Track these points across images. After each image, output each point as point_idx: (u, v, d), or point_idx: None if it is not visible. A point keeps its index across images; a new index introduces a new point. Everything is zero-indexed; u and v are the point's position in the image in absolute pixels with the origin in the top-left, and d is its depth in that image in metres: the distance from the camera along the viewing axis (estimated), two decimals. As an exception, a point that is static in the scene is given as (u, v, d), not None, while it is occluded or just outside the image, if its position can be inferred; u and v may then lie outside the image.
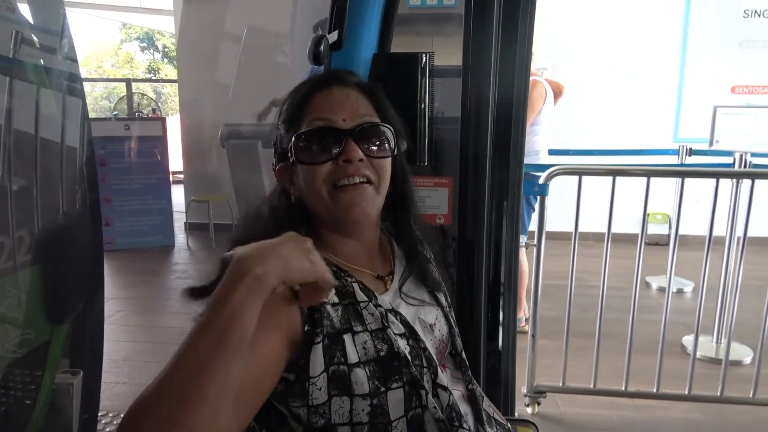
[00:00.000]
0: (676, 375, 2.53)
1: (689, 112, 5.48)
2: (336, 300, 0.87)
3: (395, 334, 0.89)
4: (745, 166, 3.33)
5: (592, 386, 2.51)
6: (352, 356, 0.85)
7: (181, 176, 6.51)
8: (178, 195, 6.25)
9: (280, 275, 0.73)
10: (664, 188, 4.00)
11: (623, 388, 2.50)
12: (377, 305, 0.91)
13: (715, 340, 3.12)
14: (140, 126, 5.70)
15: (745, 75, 5.43)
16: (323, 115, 0.91)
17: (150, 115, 6.38)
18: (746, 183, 2.70)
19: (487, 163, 1.48)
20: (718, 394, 2.47)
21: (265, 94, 4.33)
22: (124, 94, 7.40)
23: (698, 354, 2.89)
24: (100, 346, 1.87)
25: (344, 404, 0.84)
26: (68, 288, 1.69)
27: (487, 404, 1.04)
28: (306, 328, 0.83)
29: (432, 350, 0.94)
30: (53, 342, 1.58)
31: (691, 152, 4.17)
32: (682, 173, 2.84)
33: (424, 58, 1.45)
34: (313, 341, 0.83)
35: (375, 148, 0.92)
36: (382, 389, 0.86)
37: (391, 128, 0.95)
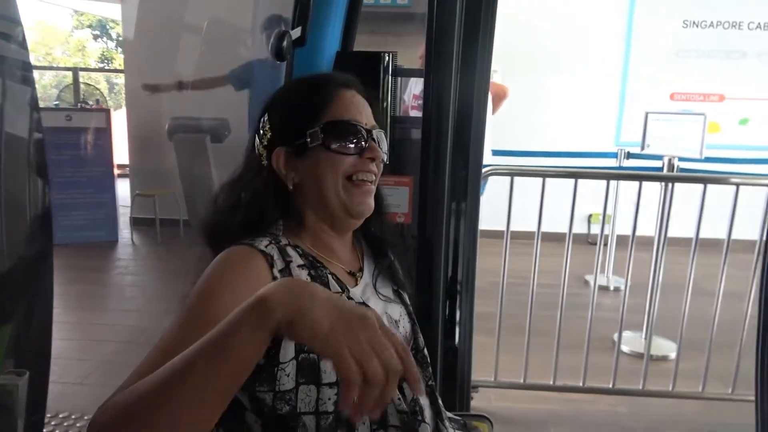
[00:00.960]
0: (606, 370, 2.63)
1: (630, 117, 5.70)
2: None
3: None
4: (673, 170, 3.49)
5: (522, 381, 2.58)
6: None
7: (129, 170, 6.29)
8: (125, 189, 6.05)
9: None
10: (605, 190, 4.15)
11: (551, 383, 2.58)
12: (349, 297, 0.93)
13: (643, 336, 3.23)
14: (83, 117, 5.47)
15: (683, 83, 5.67)
16: (351, 112, 0.96)
17: (94, 106, 6.09)
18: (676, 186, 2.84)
19: (447, 163, 1.50)
20: (640, 387, 2.58)
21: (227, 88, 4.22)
22: (70, 83, 7.08)
23: (627, 349, 3.06)
24: (48, 347, 1.81)
25: (311, 393, 0.85)
26: (11, 287, 1.63)
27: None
28: None
29: None
30: None
31: (629, 156, 4.36)
32: (606, 176, 2.94)
33: (387, 57, 1.47)
34: None
35: (385, 153, 1.00)
36: None
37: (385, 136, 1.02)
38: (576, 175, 2.59)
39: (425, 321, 1.53)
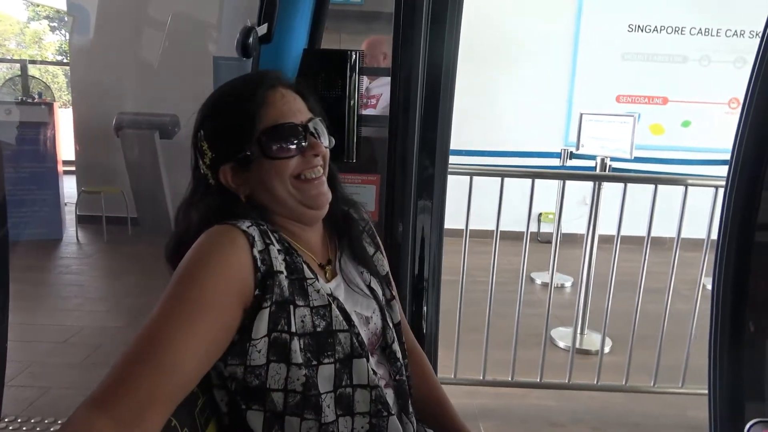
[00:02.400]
0: (544, 365, 2.69)
1: (577, 118, 5.87)
2: (285, 273, 0.91)
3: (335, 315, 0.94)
4: (605, 170, 3.61)
5: (452, 376, 2.62)
6: (293, 327, 0.89)
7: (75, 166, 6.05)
8: (72, 186, 5.83)
9: None
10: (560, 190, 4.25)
11: (481, 377, 2.64)
12: (317, 289, 0.94)
13: (579, 331, 3.32)
14: (25, 111, 5.27)
15: (629, 85, 5.85)
16: (284, 114, 0.95)
17: (37, 100, 5.82)
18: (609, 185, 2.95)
19: (414, 161, 1.51)
20: (566, 381, 2.67)
21: (192, 82, 4.10)
22: (14, 75, 6.74)
23: (563, 344, 3.17)
24: (2, 351, 1.74)
25: (281, 371, 0.88)
26: None
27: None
28: (256, 292, 0.87)
29: (365, 339, 0.98)
30: None
31: (572, 156, 4.48)
32: (563, 176, 3.02)
33: (354, 55, 1.46)
34: (261, 305, 0.87)
35: (324, 142, 1.00)
36: (314, 362, 0.90)
37: (324, 122, 1.02)
38: (535, 175, 2.65)
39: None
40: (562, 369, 2.69)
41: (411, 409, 1.04)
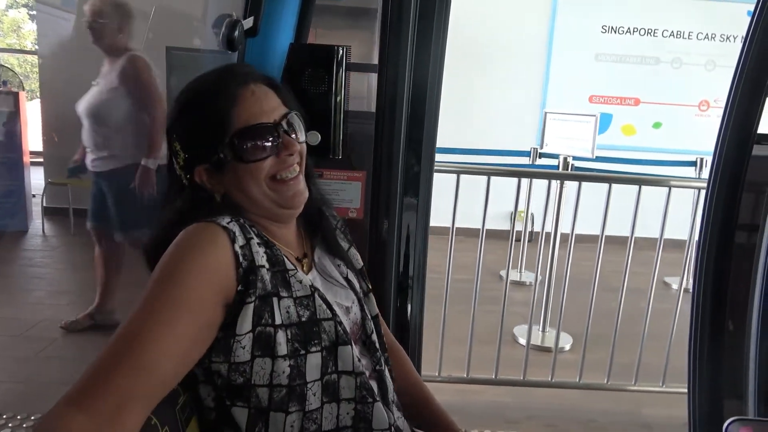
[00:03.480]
0: (506, 362, 2.73)
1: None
2: (267, 266, 0.90)
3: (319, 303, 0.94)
4: (567, 169, 3.66)
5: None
6: (277, 318, 0.89)
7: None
8: (40, 177, 5.67)
9: None
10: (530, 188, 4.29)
11: (437, 374, 2.67)
12: (299, 280, 0.94)
13: (541, 328, 3.41)
14: None
15: (601, 86, 5.92)
16: (254, 115, 0.93)
17: (1, 89, 5.65)
18: (570, 184, 2.99)
19: (400, 158, 1.50)
20: (522, 377, 2.72)
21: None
22: None
23: (523, 342, 3.15)
24: None
25: (266, 366, 0.88)
26: None
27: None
28: (239, 288, 0.86)
29: (347, 328, 0.99)
30: None
31: (541, 155, 4.51)
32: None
33: (341, 51, 1.45)
34: (244, 301, 0.86)
35: (299, 137, 0.98)
36: (302, 352, 0.90)
37: (300, 115, 1.00)
38: (459, 171, 2.67)
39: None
40: (521, 366, 2.72)
41: (391, 398, 1.04)
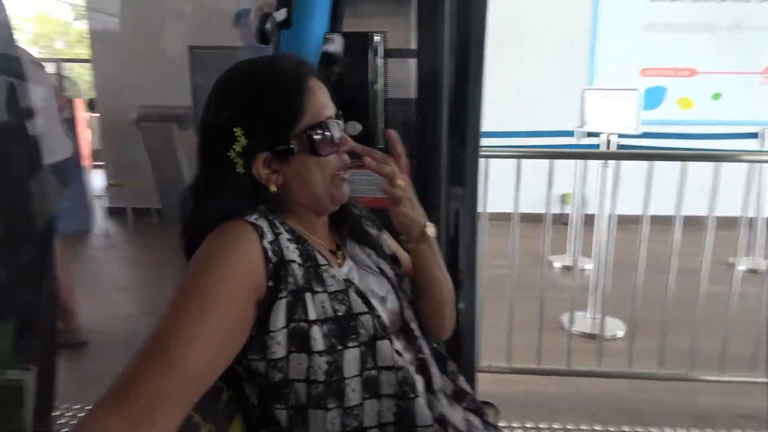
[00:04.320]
0: (552, 349, 2.65)
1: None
2: (300, 261, 0.90)
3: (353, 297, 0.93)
4: (608, 147, 3.48)
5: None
6: (312, 314, 0.88)
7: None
8: (101, 180, 5.99)
9: None
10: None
11: (487, 365, 2.58)
12: (332, 275, 0.94)
13: (590, 315, 3.26)
14: None
15: (653, 58, 5.63)
16: (325, 107, 0.94)
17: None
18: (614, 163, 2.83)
19: (442, 146, 1.45)
20: (566, 367, 2.61)
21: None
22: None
23: (574, 329, 3.03)
24: (53, 341, 1.79)
25: (302, 361, 0.87)
26: (14, 283, 1.62)
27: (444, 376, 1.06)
28: (270, 284, 0.86)
29: (385, 320, 0.97)
30: None
31: (589, 134, 4.34)
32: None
33: (377, 37, 1.40)
34: (276, 296, 0.86)
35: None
36: (339, 347, 0.88)
37: None
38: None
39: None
40: (575, 354, 2.63)
41: (438, 386, 1.01)
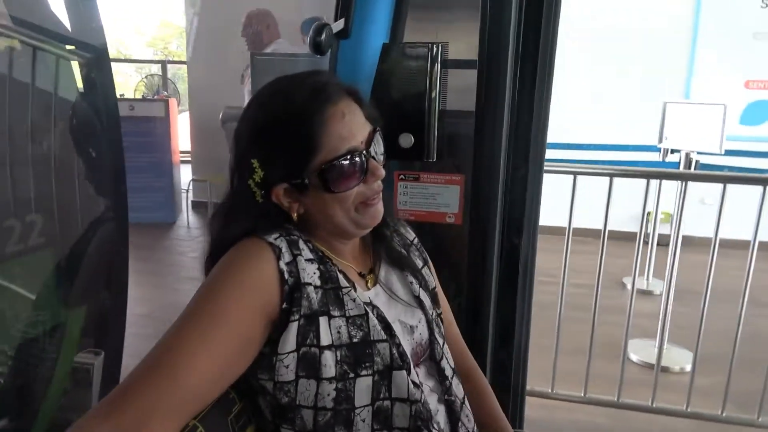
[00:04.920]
0: (610, 378, 2.47)
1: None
2: (318, 283, 0.88)
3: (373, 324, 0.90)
4: (690, 166, 3.22)
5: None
6: (325, 339, 0.85)
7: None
8: (189, 174, 6.29)
9: None
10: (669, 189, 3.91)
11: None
12: (353, 298, 0.91)
13: (657, 344, 2.99)
14: (144, 107, 5.72)
15: (760, 68, 5.16)
16: (344, 139, 0.87)
17: (155, 97, 6.29)
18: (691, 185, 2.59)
19: (501, 159, 1.39)
20: (615, 399, 2.42)
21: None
22: (152, 74, 7.44)
23: (635, 358, 2.87)
24: (122, 327, 1.88)
25: (311, 387, 0.85)
26: (86, 271, 1.69)
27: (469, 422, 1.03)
28: (284, 306, 0.84)
29: (408, 350, 0.94)
30: (69, 324, 1.62)
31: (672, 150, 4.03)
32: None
33: (436, 48, 1.37)
34: (288, 319, 0.84)
35: (382, 156, 0.94)
36: (351, 375, 0.86)
37: (379, 129, 0.94)
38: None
39: (473, 328, 1.45)
40: (628, 385, 2.44)
41: (463, 430, 0.98)
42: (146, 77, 7.20)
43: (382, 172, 0.92)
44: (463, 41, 1.43)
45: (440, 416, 0.96)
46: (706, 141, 3.22)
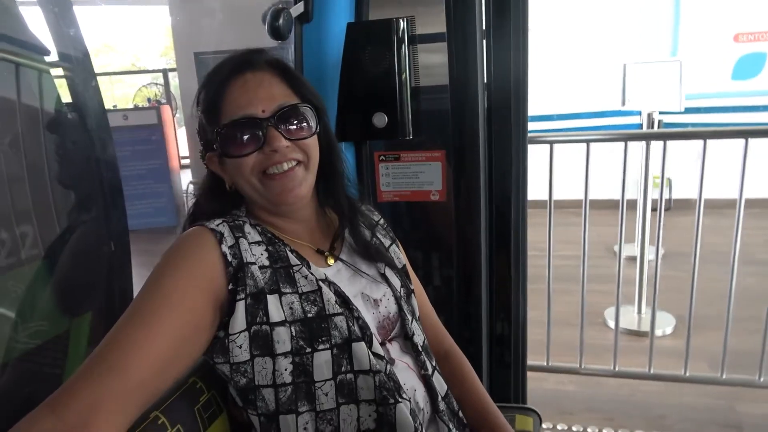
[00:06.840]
0: (596, 347, 2.48)
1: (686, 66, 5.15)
2: (267, 263, 0.89)
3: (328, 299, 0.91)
4: (651, 126, 3.14)
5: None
6: (275, 316, 0.86)
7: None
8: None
9: None
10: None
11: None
12: (310, 274, 0.91)
13: (636, 310, 3.00)
14: (137, 116, 5.78)
15: (750, 20, 5.00)
16: (241, 106, 0.90)
17: (147, 106, 6.33)
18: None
19: (480, 132, 1.36)
20: (612, 368, 2.41)
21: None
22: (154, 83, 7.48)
23: (612, 325, 2.77)
24: None
25: (267, 365, 0.86)
26: (84, 279, 1.68)
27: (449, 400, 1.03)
28: (230, 287, 0.85)
29: (372, 323, 0.95)
30: (73, 332, 1.61)
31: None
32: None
33: (402, 23, 1.33)
34: (235, 299, 0.85)
35: (297, 129, 0.93)
36: (308, 349, 0.86)
37: (310, 106, 0.95)
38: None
39: (465, 306, 1.43)
40: (608, 352, 2.42)
41: (442, 407, 0.98)
42: (143, 87, 7.22)
43: (282, 143, 0.90)
44: (432, 15, 1.39)
45: (419, 393, 0.96)
46: (666, 100, 3.14)
